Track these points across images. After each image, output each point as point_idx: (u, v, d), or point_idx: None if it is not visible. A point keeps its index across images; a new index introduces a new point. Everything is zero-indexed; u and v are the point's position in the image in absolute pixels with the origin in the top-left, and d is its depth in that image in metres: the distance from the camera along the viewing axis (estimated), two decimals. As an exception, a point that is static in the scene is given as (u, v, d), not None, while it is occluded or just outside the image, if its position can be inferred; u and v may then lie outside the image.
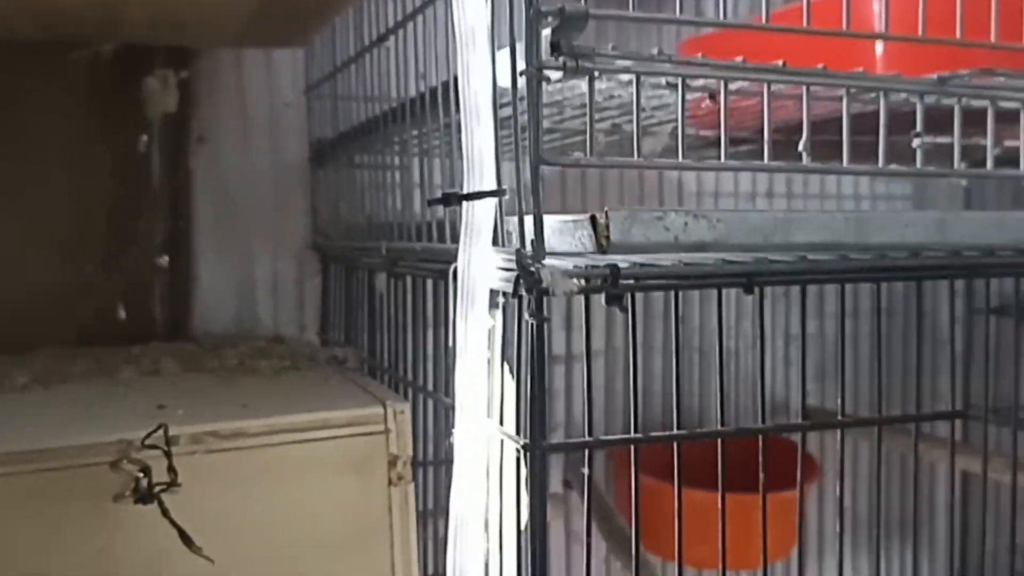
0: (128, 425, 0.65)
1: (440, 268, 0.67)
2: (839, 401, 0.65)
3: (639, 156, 0.53)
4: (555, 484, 1.17)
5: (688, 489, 0.63)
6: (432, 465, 0.81)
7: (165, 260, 1.13)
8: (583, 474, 0.58)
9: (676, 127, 0.55)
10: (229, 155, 1.11)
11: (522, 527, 0.56)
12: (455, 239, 0.61)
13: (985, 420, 0.72)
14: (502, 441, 0.57)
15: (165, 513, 0.62)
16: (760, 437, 0.63)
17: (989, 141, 0.60)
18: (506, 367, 0.58)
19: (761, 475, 0.65)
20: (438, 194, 0.60)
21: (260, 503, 0.67)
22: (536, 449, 0.53)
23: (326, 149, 1.04)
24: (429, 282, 0.80)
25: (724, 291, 0.58)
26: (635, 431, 0.55)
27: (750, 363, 1.37)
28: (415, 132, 0.75)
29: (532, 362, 0.52)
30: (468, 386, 0.58)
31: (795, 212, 0.55)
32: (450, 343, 0.61)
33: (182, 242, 1.11)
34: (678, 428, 0.59)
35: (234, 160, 1.11)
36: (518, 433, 0.55)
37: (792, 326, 1.38)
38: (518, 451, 0.55)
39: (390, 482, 0.71)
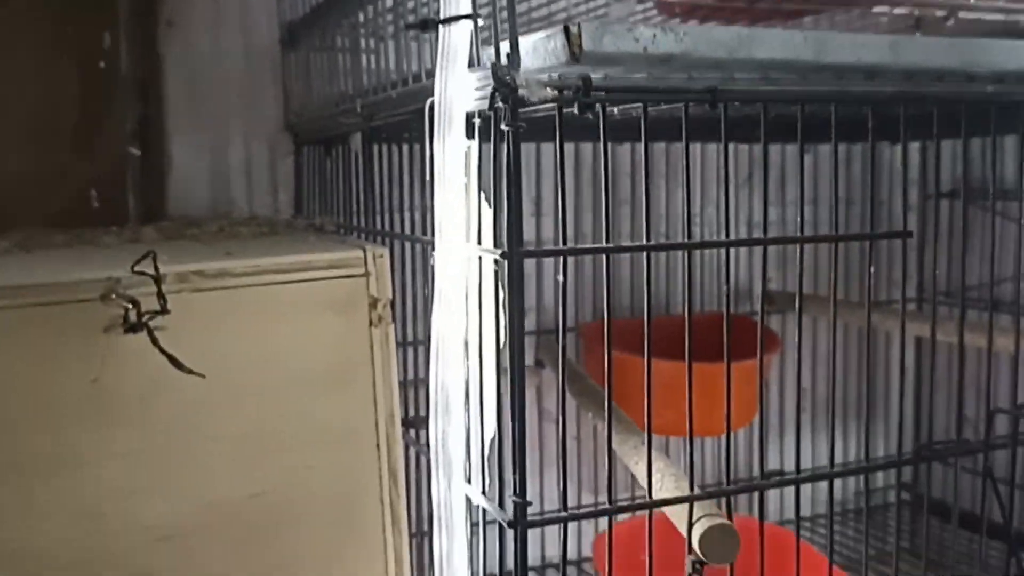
0: (115, 266, 0.67)
1: (416, 109, 0.69)
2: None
3: None
4: (527, 359, 1.21)
5: (656, 359, 0.66)
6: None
7: (136, 149, 1.14)
8: (556, 351, 0.61)
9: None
10: (199, 39, 1.11)
11: (502, 343, 0.59)
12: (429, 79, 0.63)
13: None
14: (480, 259, 0.60)
15: (154, 341, 0.64)
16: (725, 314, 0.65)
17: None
18: (481, 193, 0.61)
19: (725, 339, 0.67)
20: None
21: (247, 341, 0.70)
22: (514, 256, 0.55)
23: (297, 30, 1.04)
24: (405, 148, 0.82)
25: (690, 172, 0.60)
26: (606, 241, 0.58)
27: (715, 251, 1.40)
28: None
29: (509, 171, 0.55)
30: (447, 209, 0.61)
31: (757, 29, 0.57)
32: (426, 180, 0.64)
33: (154, 127, 1.12)
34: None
35: (204, 44, 1.11)
36: (495, 246, 0.58)
37: (755, 214, 1.41)
38: (496, 262, 0.57)
39: (371, 323, 0.74)
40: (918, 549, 1.28)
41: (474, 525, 0.61)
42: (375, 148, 0.86)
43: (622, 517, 0.91)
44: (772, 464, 1.36)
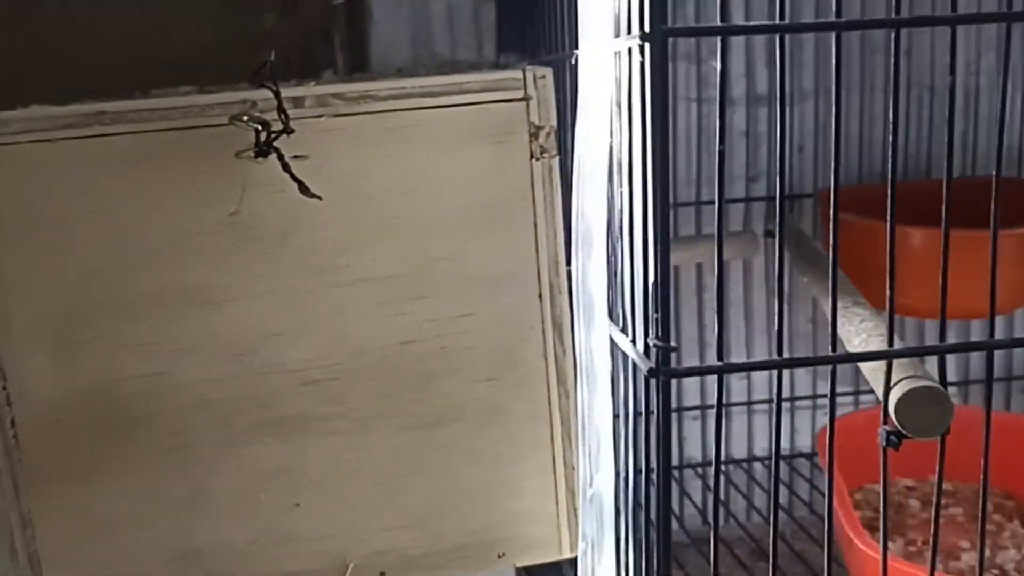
0: (252, 90, 0.62)
1: None
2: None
3: None
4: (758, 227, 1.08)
5: (904, 227, 0.52)
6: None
7: (339, 13, 1.11)
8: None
9: None
10: None
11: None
12: None
13: None
14: (618, 55, 0.49)
15: (284, 163, 0.59)
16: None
17: None
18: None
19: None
20: None
21: (394, 173, 0.63)
22: (656, 36, 0.44)
23: None
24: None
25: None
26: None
27: (990, 104, 1.18)
28: None
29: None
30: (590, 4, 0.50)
31: None
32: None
33: (357, -18, 1.08)
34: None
35: None
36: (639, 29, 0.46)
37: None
38: (639, 49, 0.46)
39: (532, 155, 0.65)
40: None
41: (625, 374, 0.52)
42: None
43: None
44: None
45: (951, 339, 1.13)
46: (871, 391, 0.76)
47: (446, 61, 0.87)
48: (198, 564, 0.64)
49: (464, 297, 0.65)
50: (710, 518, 0.51)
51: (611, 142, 0.51)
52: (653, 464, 0.48)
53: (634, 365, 0.50)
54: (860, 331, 0.55)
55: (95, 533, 0.63)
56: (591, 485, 0.52)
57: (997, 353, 0.51)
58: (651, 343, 0.46)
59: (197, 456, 0.63)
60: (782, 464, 1.07)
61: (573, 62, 0.61)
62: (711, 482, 0.48)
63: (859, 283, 0.70)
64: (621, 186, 0.49)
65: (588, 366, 0.52)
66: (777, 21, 0.44)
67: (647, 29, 0.44)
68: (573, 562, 0.69)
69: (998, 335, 0.49)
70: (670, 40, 0.44)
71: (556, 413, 0.67)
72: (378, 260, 0.64)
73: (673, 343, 0.46)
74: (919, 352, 0.49)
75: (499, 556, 0.68)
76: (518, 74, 0.64)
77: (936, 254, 0.49)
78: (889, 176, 0.47)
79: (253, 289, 0.63)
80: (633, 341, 0.49)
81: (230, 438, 0.64)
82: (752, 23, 0.51)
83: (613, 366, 0.51)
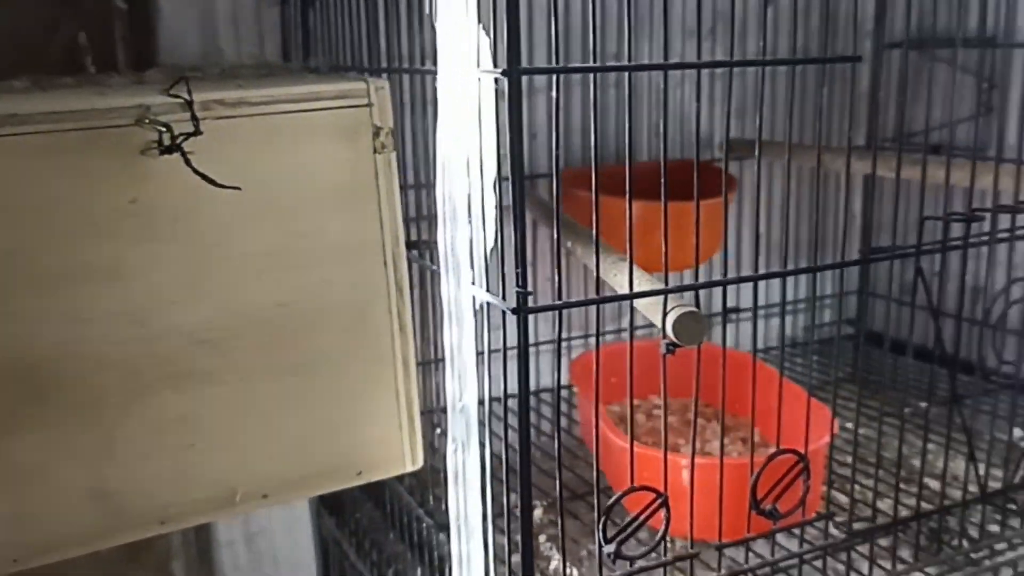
0: (143, 96, 0.73)
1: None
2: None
3: None
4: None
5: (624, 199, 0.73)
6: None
7: (123, 2, 1.17)
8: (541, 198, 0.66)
9: None
10: None
11: (502, 156, 0.67)
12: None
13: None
14: (479, 80, 0.67)
15: (188, 162, 0.71)
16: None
17: None
18: (479, 21, 0.67)
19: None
20: None
21: (265, 165, 0.77)
22: (514, 73, 0.63)
23: None
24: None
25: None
26: (593, 61, 0.65)
27: (681, 102, 1.49)
28: None
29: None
30: (448, 37, 0.68)
31: None
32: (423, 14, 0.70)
33: (142, -24, 1.15)
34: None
35: None
36: (495, 66, 0.65)
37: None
38: (496, 80, 0.65)
39: (375, 150, 0.81)
40: (860, 376, 1.41)
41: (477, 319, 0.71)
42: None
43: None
44: (730, 302, 1.48)
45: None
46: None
47: (265, 63, 0.99)
48: (109, 501, 0.75)
49: (326, 266, 0.80)
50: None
51: (467, 143, 0.69)
52: (512, 386, 0.67)
53: (491, 309, 0.69)
54: (635, 279, 0.77)
55: (17, 481, 0.72)
56: (461, 400, 0.70)
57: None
58: (515, 290, 0.65)
59: (105, 409, 0.74)
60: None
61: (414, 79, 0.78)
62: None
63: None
64: (481, 178, 0.68)
65: (457, 314, 0.70)
66: (592, 63, 0.65)
67: (506, 67, 0.63)
68: (402, 480, 0.87)
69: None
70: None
71: (399, 357, 0.84)
72: (256, 237, 0.77)
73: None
74: (683, 288, 0.72)
75: (358, 474, 0.85)
76: (363, 85, 0.80)
77: (652, 222, 0.72)
78: (664, 165, 0.69)
79: (151, 264, 0.74)
80: (493, 291, 0.68)
81: (134, 392, 0.75)
82: (578, 65, 0.70)
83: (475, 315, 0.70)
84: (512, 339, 0.67)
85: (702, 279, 0.75)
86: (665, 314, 0.70)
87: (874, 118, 1.52)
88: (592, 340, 1.28)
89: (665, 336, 0.70)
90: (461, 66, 0.68)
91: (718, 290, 0.79)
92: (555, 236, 0.67)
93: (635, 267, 0.77)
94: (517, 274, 0.65)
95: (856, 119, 1.59)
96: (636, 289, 0.73)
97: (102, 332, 0.73)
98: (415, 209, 0.96)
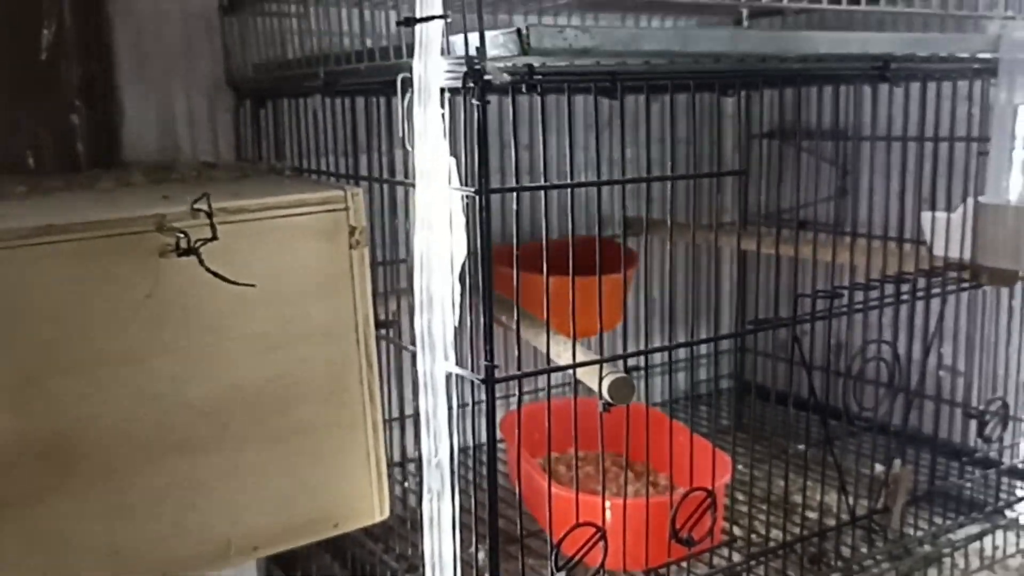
0: (155, 206, 0.86)
1: (384, 81, 0.90)
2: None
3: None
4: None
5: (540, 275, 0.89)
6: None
7: (82, 102, 1.28)
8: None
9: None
10: (142, 3, 1.26)
11: (468, 254, 0.82)
12: (396, 57, 0.86)
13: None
14: (452, 195, 0.83)
15: (202, 262, 0.84)
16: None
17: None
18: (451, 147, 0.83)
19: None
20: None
21: (258, 261, 0.90)
22: (483, 192, 0.79)
23: (238, -3, 1.22)
24: (360, 101, 1.03)
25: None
26: (545, 179, 0.82)
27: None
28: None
29: (478, 134, 0.78)
30: (428, 162, 0.83)
31: (643, 29, 0.82)
32: (398, 136, 0.86)
33: (105, 81, 1.26)
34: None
35: (147, 7, 1.26)
36: (468, 186, 0.81)
37: (614, 151, 1.68)
38: (466, 198, 0.81)
39: (351, 246, 0.95)
40: (742, 425, 1.61)
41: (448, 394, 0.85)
42: (330, 102, 1.06)
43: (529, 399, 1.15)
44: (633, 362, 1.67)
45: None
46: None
47: (237, 166, 1.12)
48: (120, 557, 0.86)
49: (309, 345, 0.94)
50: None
51: (440, 245, 0.84)
52: (482, 440, 0.82)
53: (463, 380, 0.84)
54: (568, 351, 0.93)
55: (43, 544, 0.82)
56: (436, 456, 0.84)
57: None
58: (484, 364, 0.80)
59: (121, 476, 0.85)
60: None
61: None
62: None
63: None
64: (452, 272, 0.83)
65: (432, 385, 0.84)
66: (543, 182, 0.82)
67: (477, 187, 0.79)
68: (375, 532, 1.00)
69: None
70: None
71: (369, 422, 0.98)
72: (251, 323, 0.90)
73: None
74: (615, 358, 0.89)
75: (335, 526, 0.97)
76: (341, 192, 0.95)
77: (564, 293, 0.89)
78: (599, 237, 0.86)
79: (162, 349, 0.86)
80: (465, 365, 0.83)
81: (145, 460, 0.86)
82: (540, 184, 0.87)
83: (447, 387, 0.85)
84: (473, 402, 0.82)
85: (613, 340, 0.92)
86: (601, 379, 0.86)
87: (744, 199, 1.74)
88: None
89: (602, 397, 0.86)
90: (436, 182, 0.83)
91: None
92: (516, 319, 0.83)
93: (568, 342, 0.94)
94: (486, 351, 0.81)
95: (733, 200, 1.82)
96: (578, 359, 0.89)
97: (120, 409, 0.84)
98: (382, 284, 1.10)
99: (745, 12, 0.99)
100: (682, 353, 1.80)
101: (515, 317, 0.86)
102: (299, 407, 0.94)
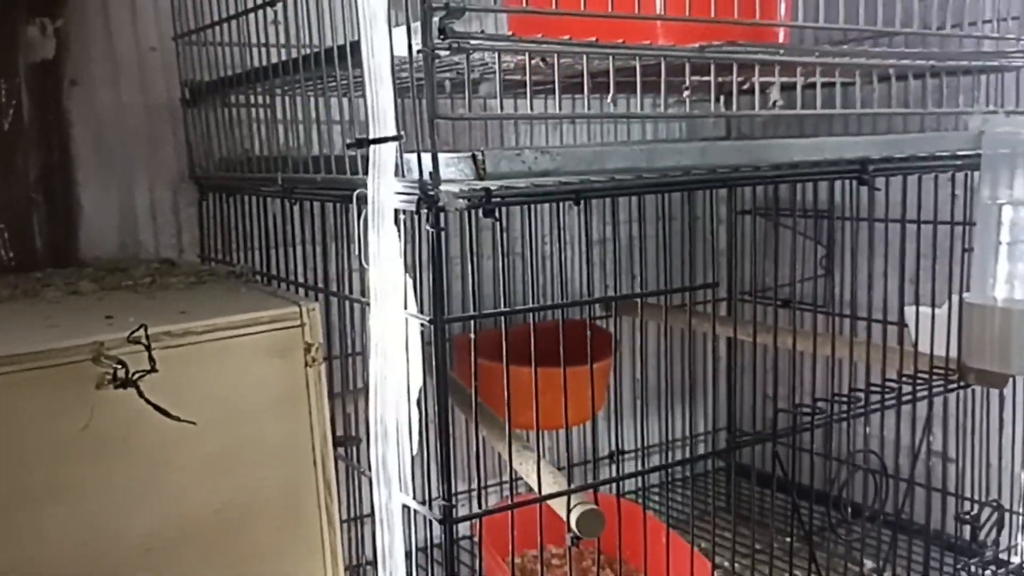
0: (92, 332, 0.81)
1: (340, 194, 0.86)
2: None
3: (501, 110, 0.75)
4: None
5: (513, 366, 0.85)
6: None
7: (40, 196, 1.24)
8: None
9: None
10: (102, 96, 1.22)
11: (427, 382, 0.78)
12: (353, 171, 0.82)
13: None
14: (407, 321, 0.79)
15: (141, 395, 0.79)
16: (562, 321, 0.86)
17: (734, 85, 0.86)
18: (407, 269, 0.79)
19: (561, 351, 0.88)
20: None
21: (207, 384, 0.86)
22: (439, 322, 0.75)
23: (200, 90, 1.18)
24: (316, 204, 0.99)
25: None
26: (504, 304, 0.78)
27: (559, 265, 1.63)
28: (308, 81, 0.92)
29: (433, 260, 0.74)
30: (383, 284, 0.79)
31: (607, 146, 0.78)
32: (355, 253, 0.82)
33: (62, 176, 1.23)
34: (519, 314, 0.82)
35: (107, 101, 1.23)
36: (422, 312, 0.77)
37: (593, 232, 1.64)
38: (423, 326, 0.76)
39: (306, 364, 0.91)
40: (733, 508, 1.56)
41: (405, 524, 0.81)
42: (294, 206, 1.02)
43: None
44: (611, 446, 1.61)
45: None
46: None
47: (194, 269, 1.08)
48: None
49: (261, 469, 0.89)
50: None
51: (396, 370, 0.80)
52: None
53: (419, 515, 0.79)
54: (534, 470, 0.89)
55: None
56: (393, 597, 0.79)
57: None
58: (440, 503, 0.76)
59: (57, 622, 0.79)
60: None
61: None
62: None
63: (497, 409, 1.03)
64: (408, 397, 0.78)
65: (388, 521, 0.80)
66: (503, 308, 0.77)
67: (432, 316, 0.75)
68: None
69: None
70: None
71: (328, 548, 0.93)
72: (197, 449, 0.85)
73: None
74: (585, 488, 0.84)
75: (290, 660, 0.91)
76: (295, 308, 0.90)
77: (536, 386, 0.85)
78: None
79: (101, 480, 0.81)
80: (424, 502, 0.78)
81: (85, 604, 0.80)
82: (493, 311, 0.83)
83: (404, 518, 0.80)
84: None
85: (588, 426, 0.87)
86: (569, 511, 0.81)
87: (731, 277, 1.70)
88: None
89: (570, 530, 0.81)
90: (390, 306, 0.79)
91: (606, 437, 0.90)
92: (476, 451, 0.78)
93: (533, 456, 0.89)
94: (443, 489, 0.76)
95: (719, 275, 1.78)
96: (543, 484, 0.84)
97: (57, 548, 0.79)
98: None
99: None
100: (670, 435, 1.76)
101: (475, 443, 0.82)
102: (252, 533, 0.89)
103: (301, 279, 1.05)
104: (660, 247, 0.94)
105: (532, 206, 0.82)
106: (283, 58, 0.96)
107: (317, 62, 0.88)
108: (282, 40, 0.98)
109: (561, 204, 0.80)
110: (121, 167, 1.24)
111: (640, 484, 0.91)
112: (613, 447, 1.56)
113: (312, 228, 1.00)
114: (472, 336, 0.80)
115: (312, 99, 0.94)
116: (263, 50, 1.02)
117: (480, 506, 0.78)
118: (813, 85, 0.96)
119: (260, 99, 1.06)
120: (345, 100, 0.88)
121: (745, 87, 1.04)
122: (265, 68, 0.99)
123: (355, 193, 0.80)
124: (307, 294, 1.00)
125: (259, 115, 1.07)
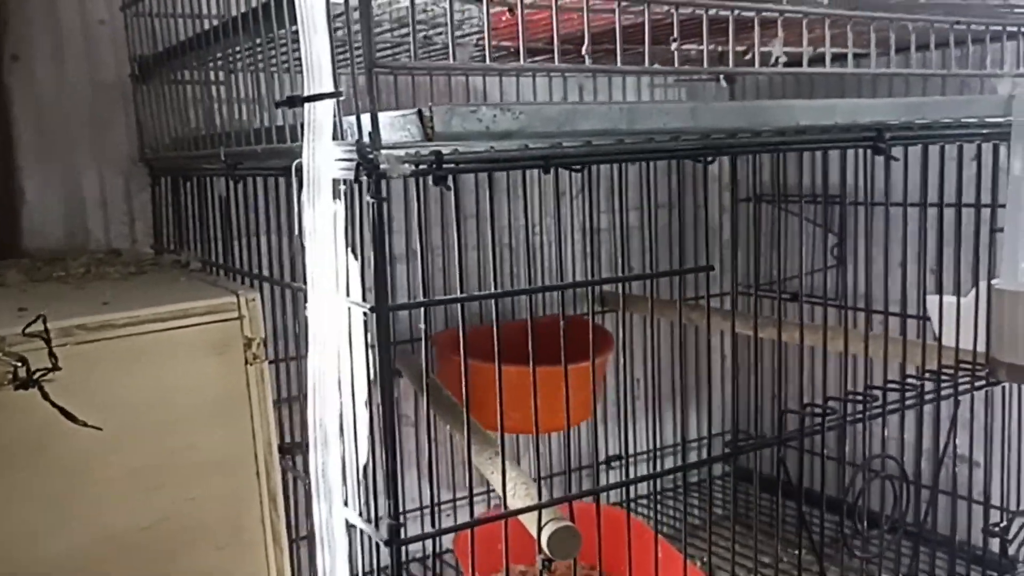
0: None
1: (283, 166, 0.76)
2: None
3: (453, 60, 0.64)
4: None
5: (504, 365, 0.75)
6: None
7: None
8: (411, 362, 0.69)
9: (481, 38, 0.66)
10: (46, 72, 1.12)
11: (372, 379, 0.67)
12: (294, 140, 0.71)
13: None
14: (350, 309, 0.68)
15: (45, 396, 0.69)
16: (542, 315, 0.76)
17: (731, 45, 0.75)
18: (348, 249, 0.68)
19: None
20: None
21: (132, 385, 0.75)
22: (382, 310, 0.64)
23: (148, 65, 1.08)
24: (271, 180, 0.88)
25: (529, 196, 0.70)
26: (460, 291, 0.67)
27: (553, 256, 1.52)
28: (247, 45, 0.82)
29: (375, 237, 0.63)
30: (318, 265, 0.68)
31: (581, 104, 0.67)
32: (295, 234, 0.71)
33: (3, 159, 1.13)
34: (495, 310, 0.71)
35: (51, 77, 1.13)
36: (364, 300, 0.66)
37: (591, 220, 1.53)
38: (365, 314, 0.66)
39: (247, 361, 0.80)
40: (733, 514, 1.44)
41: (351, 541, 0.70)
42: (238, 186, 0.92)
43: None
44: (611, 449, 1.50)
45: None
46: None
47: (136, 258, 0.98)
48: None
49: (197, 481, 0.78)
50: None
51: (338, 366, 0.69)
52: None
53: (364, 534, 0.68)
54: (508, 480, 0.78)
55: None
56: (336, 628, 0.69)
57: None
58: (384, 521, 0.65)
59: (-43, 659, 0.69)
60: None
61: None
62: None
63: (475, 410, 0.93)
64: (353, 398, 0.68)
65: (329, 539, 0.69)
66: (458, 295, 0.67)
67: (374, 304, 0.64)
68: None
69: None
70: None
71: (273, 569, 0.82)
72: (121, 461, 0.75)
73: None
74: (557, 502, 0.73)
75: None
76: (232, 298, 0.80)
77: (523, 385, 0.74)
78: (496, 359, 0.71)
79: (11, 495, 0.71)
80: (369, 520, 0.67)
81: (-14, 639, 0.70)
82: (445, 297, 0.72)
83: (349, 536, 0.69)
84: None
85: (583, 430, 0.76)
86: (540, 528, 0.71)
87: (734, 270, 1.59)
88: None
89: (541, 551, 0.70)
90: (331, 293, 0.68)
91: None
92: (430, 477, 0.68)
93: (509, 465, 0.78)
94: (388, 505, 0.65)
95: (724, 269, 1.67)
96: (511, 496, 0.73)
97: (-50, 578, 0.69)
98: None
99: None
100: (670, 438, 1.65)
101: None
102: (188, 553, 0.78)
103: (265, 273, 0.94)
104: (648, 235, 0.83)
105: (505, 177, 0.71)
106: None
107: (255, 19, 0.77)
108: (236, 10, 0.88)
109: (532, 177, 0.69)
110: (67, 150, 1.14)
111: (625, 495, 0.80)
112: (611, 452, 1.46)
113: (267, 214, 0.89)
114: (460, 332, 0.69)
115: (253, 66, 0.84)
116: (215, 21, 0.92)
117: (437, 524, 0.67)
118: (822, 57, 0.85)
119: (202, 72, 0.96)
120: (285, 67, 0.78)
121: (747, 56, 0.93)
122: (206, 33, 0.89)
123: (295, 163, 0.69)
124: (251, 283, 0.90)
125: (203, 89, 0.96)
